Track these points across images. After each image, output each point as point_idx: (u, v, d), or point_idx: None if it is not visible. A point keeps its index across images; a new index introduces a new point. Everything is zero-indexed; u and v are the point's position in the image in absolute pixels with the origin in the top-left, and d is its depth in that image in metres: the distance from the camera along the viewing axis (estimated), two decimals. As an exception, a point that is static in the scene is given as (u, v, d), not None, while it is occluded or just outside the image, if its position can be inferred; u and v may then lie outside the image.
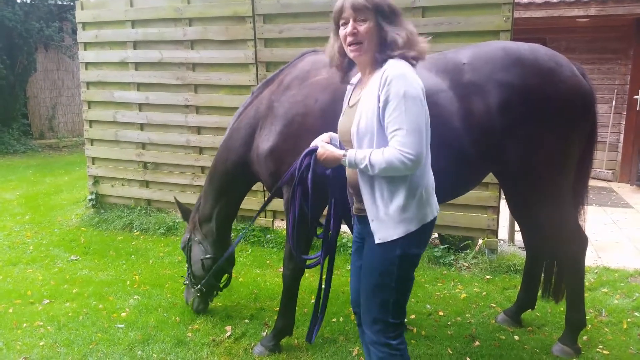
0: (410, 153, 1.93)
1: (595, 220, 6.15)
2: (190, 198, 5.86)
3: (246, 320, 3.74)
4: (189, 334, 3.52)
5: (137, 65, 6.00)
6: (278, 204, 5.22)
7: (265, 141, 3.10)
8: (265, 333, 3.52)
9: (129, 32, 5.96)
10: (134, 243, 5.55)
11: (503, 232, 5.26)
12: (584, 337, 3.40)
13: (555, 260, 3.38)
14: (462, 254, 4.84)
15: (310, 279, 4.34)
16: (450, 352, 3.27)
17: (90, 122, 6.45)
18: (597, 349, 3.28)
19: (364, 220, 2.20)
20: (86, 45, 6.31)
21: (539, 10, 7.51)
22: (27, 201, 7.59)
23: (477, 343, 3.37)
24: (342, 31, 2.07)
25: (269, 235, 5.45)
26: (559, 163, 2.90)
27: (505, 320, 3.64)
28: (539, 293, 3.56)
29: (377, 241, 2.10)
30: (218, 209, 3.54)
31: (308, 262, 2.68)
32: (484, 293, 4.17)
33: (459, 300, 4.05)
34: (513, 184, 3.09)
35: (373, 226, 2.11)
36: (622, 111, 8.27)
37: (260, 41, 5.30)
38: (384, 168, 1.97)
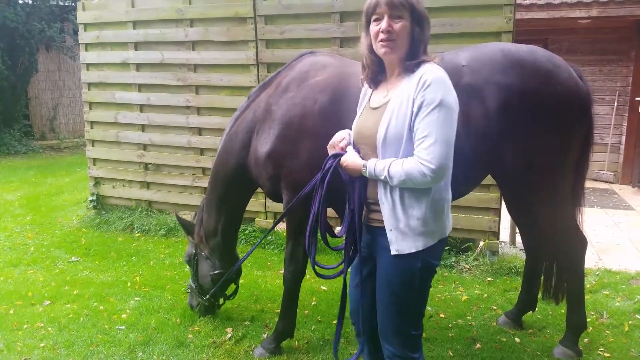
0: (432, 164, 1.84)
1: (596, 222, 6.15)
2: (192, 199, 5.87)
3: (247, 322, 3.74)
4: (190, 336, 3.52)
5: (139, 66, 6.00)
6: (279, 205, 5.22)
7: (263, 144, 3.06)
8: (266, 335, 3.51)
9: (130, 33, 5.96)
10: (134, 244, 5.55)
11: (504, 234, 5.25)
12: (585, 340, 3.39)
13: (554, 261, 3.38)
14: (463, 256, 4.83)
15: (311, 281, 4.34)
16: (451, 354, 3.27)
17: (92, 123, 6.45)
18: (599, 352, 3.28)
19: (376, 230, 2.12)
20: (87, 46, 6.32)
21: (540, 11, 7.50)
22: (28, 202, 7.59)
23: (478, 345, 3.36)
24: (375, 27, 1.98)
25: (269, 237, 5.45)
26: (557, 164, 2.91)
27: (506, 323, 3.63)
28: (539, 295, 3.56)
29: (393, 252, 2.02)
30: (223, 220, 3.44)
31: (327, 273, 2.35)
32: (485, 295, 4.16)
33: (460, 302, 4.04)
34: (511, 185, 3.09)
35: (390, 236, 2.02)
36: (624, 113, 8.26)
37: (262, 42, 5.30)
38: (403, 180, 1.90)
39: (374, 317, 2.22)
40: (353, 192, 2.12)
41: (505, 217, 4.89)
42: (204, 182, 5.48)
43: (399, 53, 1.98)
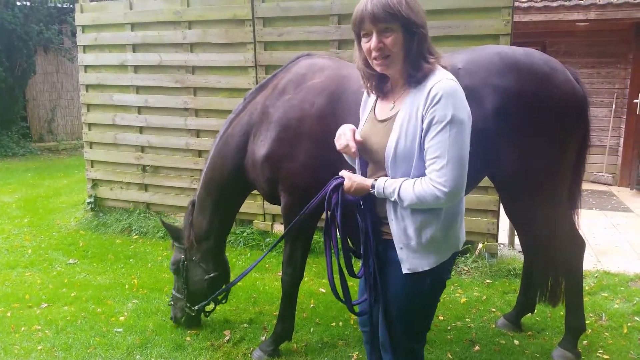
0: (446, 187, 1.74)
1: (595, 224, 6.15)
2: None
3: (245, 325, 3.73)
4: (188, 339, 3.50)
5: (137, 68, 6.00)
6: (278, 207, 5.21)
7: (261, 147, 3.04)
8: (264, 337, 3.50)
9: (128, 35, 5.96)
10: (132, 246, 5.54)
11: (503, 236, 5.25)
12: (584, 342, 3.39)
13: (552, 264, 3.38)
14: (462, 258, 4.83)
15: (309, 283, 4.33)
16: (450, 356, 3.26)
17: (90, 125, 6.44)
18: (598, 354, 3.27)
19: (386, 242, 2.00)
20: (85, 48, 6.31)
21: (538, 14, 7.51)
22: (26, 204, 7.57)
23: (477, 348, 3.36)
24: (365, 44, 1.86)
25: (268, 239, 5.44)
26: (554, 166, 2.91)
27: (505, 325, 3.63)
28: (537, 298, 3.56)
29: (405, 271, 1.92)
30: (217, 223, 3.36)
31: (358, 310, 2.24)
32: (484, 297, 4.15)
33: (458, 304, 4.03)
34: (508, 187, 3.09)
35: (401, 254, 1.92)
36: (622, 115, 8.27)
37: (260, 44, 5.30)
38: (415, 203, 1.80)
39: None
40: (363, 213, 2.01)
41: (504, 219, 4.88)
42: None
43: (396, 66, 1.87)
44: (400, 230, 1.91)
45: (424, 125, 1.79)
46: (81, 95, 6.44)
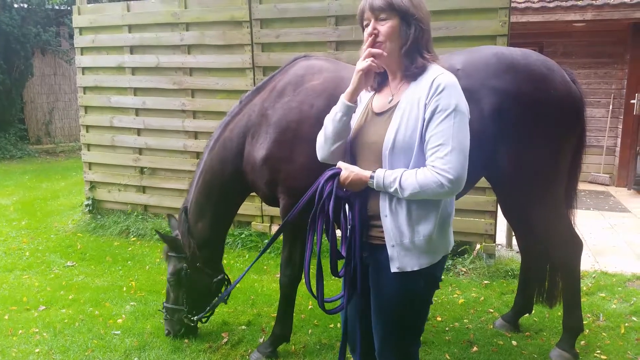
0: (450, 174, 1.72)
1: (592, 224, 6.16)
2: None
3: (243, 327, 3.72)
4: (186, 341, 3.49)
5: (134, 70, 6.00)
6: (276, 209, 5.21)
7: (260, 150, 3.02)
8: (262, 339, 3.50)
9: (125, 37, 5.96)
10: (130, 249, 5.53)
11: (501, 237, 5.26)
12: (582, 342, 3.39)
13: (549, 264, 3.39)
14: (460, 259, 4.83)
15: (307, 285, 4.32)
16: (448, 357, 3.26)
17: (87, 127, 6.44)
18: (595, 354, 3.28)
19: (375, 248, 1.97)
20: (83, 50, 6.31)
21: (535, 14, 7.53)
22: (24, 207, 7.56)
23: (475, 348, 3.36)
24: (365, 34, 1.90)
25: (266, 241, 5.44)
26: (551, 167, 2.92)
27: (503, 326, 3.63)
28: (535, 298, 3.57)
29: (394, 270, 1.88)
30: (217, 227, 3.33)
31: (329, 308, 2.12)
32: (482, 298, 4.16)
33: (456, 305, 4.04)
34: (506, 188, 3.10)
35: (392, 252, 1.88)
36: (619, 115, 8.29)
37: (258, 46, 5.30)
38: (417, 192, 1.76)
39: (370, 333, 2.09)
40: (353, 209, 1.95)
41: (502, 220, 4.89)
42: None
43: (392, 56, 1.88)
44: (395, 226, 1.86)
45: (426, 115, 1.78)
46: (79, 97, 6.44)
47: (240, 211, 3.63)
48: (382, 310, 2.00)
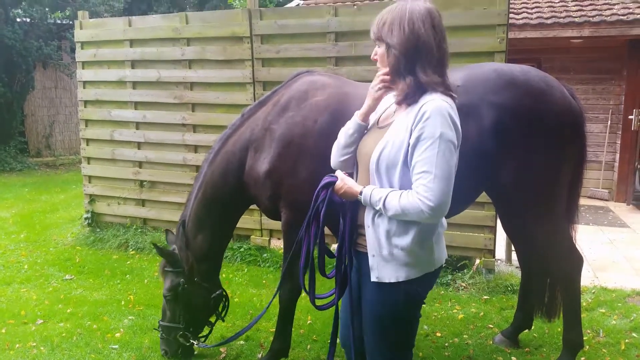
0: (432, 201, 1.77)
1: (592, 239, 6.16)
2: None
3: (241, 342, 3.70)
4: (184, 355, 3.47)
5: (135, 84, 6.03)
6: (274, 222, 5.20)
7: (263, 163, 3.03)
8: (260, 355, 3.48)
9: (127, 52, 6.00)
10: (129, 262, 5.52)
11: (500, 252, 5.25)
12: (582, 359, 3.37)
13: (549, 279, 3.38)
14: (460, 274, 4.82)
15: (306, 299, 4.28)
16: (448, 373, 3.24)
17: (87, 140, 6.46)
18: (596, 371, 3.26)
19: (362, 256, 2.05)
20: (84, 64, 6.35)
21: (533, 31, 7.60)
22: (23, 219, 7.55)
23: (474, 364, 3.34)
24: None
25: (265, 255, 5.43)
26: (551, 182, 2.93)
27: (503, 341, 3.62)
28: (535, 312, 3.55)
29: (373, 279, 1.96)
30: (218, 240, 3.30)
31: (319, 303, 2.29)
32: (482, 313, 4.14)
33: (456, 320, 4.02)
34: (506, 203, 3.11)
35: (372, 262, 1.96)
36: (618, 131, 8.33)
37: (258, 61, 5.35)
38: (399, 214, 1.83)
39: (364, 342, 2.15)
40: (345, 216, 2.06)
41: (501, 235, 4.90)
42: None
43: (393, 81, 1.96)
44: (374, 237, 1.95)
45: (411, 140, 1.83)
46: (79, 110, 6.47)
47: (239, 225, 3.61)
48: (366, 319, 2.07)
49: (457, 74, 2.92)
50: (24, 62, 12.46)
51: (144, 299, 4.49)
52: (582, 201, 3.39)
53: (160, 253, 3.23)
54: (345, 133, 2.15)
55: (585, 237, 6.06)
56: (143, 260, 5.56)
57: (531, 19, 7.63)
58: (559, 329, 3.48)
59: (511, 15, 7.14)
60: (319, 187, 2.10)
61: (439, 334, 3.78)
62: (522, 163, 2.84)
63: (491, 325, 3.93)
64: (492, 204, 4.46)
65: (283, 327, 3.26)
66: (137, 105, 6.05)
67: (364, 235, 2.02)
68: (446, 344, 3.64)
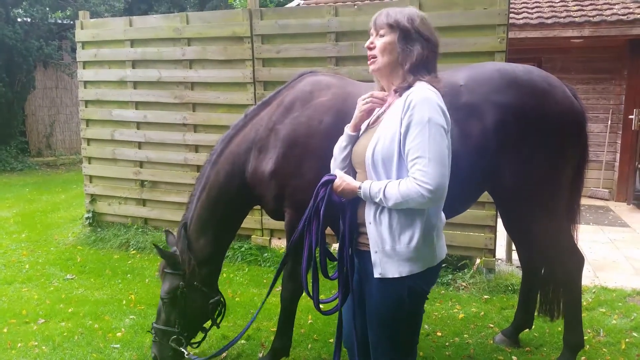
0: (430, 184, 1.80)
1: (592, 239, 6.16)
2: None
3: (243, 341, 3.71)
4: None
5: (136, 84, 6.04)
6: (275, 222, 5.21)
7: (268, 164, 3.01)
8: (262, 354, 3.49)
9: (127, 52, 6.01)
10: (130, 262, 5.53)
11: (501, 252, 5.26)
12: (582, 358, 3.38)
13: (550, 278, 3.38)
14: (460, 274, 4.83)
15: (307, 299, 4.30)
16: (448, 373, 3.25)
17: (88, 140, 6.46)
18: (596, 370, 3.27)
19: (363, 254, 2.07)
20: (85, 64, 6.36)
21: (534, 31, 7.60)
22: (24, 219, 7.56)
23: (475, 364, 3.35)
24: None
25: (265, 254, 5.44)
26: (553, 181, 2.94)
27: (503, 341, 3.62)
28: (536, 312, 3.56)
29: (376, 275, 1.97)
30: (220, 243, 3.24)
31: (324, 308, 2.27)
32: (482, 313, 4.15)
33: (457, 320, 4.03)
34: (508, 202, 3.11)
35: (375, 258, 1.97)
36: (618, 130, 8.33)
37: (258, 61, 5.35)
38: (400, 202, 1.85)
39: (367, 342, 2.15)
40: (344, 215, 2.08)
41: (502, 235, 4.90)
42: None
43: (383, 70, 2.02)
44: (377, 234, 1.96)
45: (402, 129, 1.87)
46: (80, 110, 6.47)
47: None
48: (370, 317, 2.08)
49: (459, 73, 2.93)
50: (25, 62, 12.48)
51: (145, 299, 4.49)
52: (583, 201, 3.39)
53: (161, 255, 3.17)
54: (339, 147, 2.20)
55: (586, 236, 6.06)
56: (144, 260, 5.57)
57: (531, 18, 7.64)
58: (560, 329, 3.49)
59: (511, 15, 7.14)
60: (318, 185, 2.12)
61: (439, 334, 3.79)
62: (524, 162, 2.85)
63: (492, 325, 3.94)
64: (493, 203, 4.50)
65: (284, 326, 3.26)
66: (137, 105, 6.06)
67: (365, 234, 2.03)
68: (447, 344, 3.64)
